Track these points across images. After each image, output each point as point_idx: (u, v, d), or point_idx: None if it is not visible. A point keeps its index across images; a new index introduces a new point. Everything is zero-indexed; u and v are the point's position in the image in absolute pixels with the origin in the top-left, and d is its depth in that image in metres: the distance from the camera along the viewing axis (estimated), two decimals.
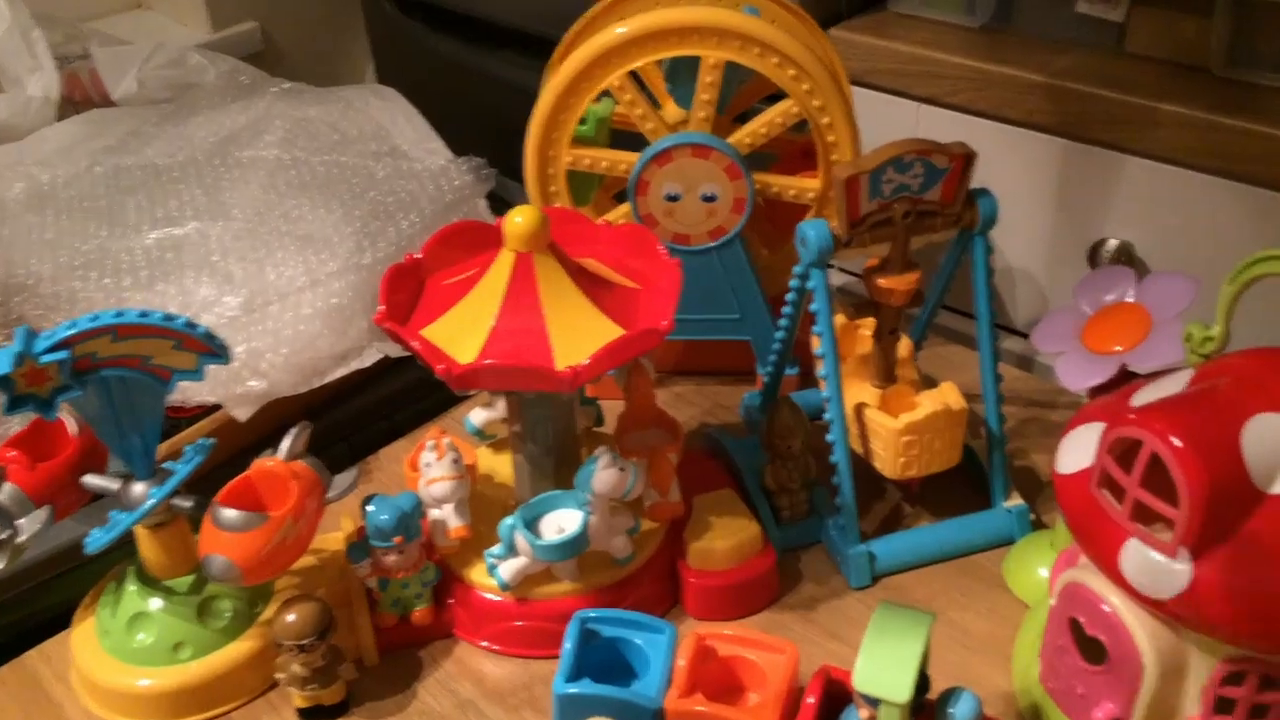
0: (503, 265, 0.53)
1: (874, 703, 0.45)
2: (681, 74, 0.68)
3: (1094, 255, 0.74)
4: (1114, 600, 0.47)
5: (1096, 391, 0.52)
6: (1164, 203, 0.72)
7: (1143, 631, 0.46)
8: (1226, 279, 0.47)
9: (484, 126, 0.87)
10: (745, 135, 0.66)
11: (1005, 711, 0.53)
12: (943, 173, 0.58)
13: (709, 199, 0.66)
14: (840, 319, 0.63)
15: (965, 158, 0.58)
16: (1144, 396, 0.47)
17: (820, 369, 0.59)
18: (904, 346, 0.64)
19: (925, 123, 0.79)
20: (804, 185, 0.66)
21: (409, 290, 0.56)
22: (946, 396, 0.60)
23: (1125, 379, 0.52)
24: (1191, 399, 0.44)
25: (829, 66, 0.66)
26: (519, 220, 0.53)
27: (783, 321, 0.63)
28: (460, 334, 0.53)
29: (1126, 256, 0.73)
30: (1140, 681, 0.46)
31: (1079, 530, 0.47)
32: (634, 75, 0.66)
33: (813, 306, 0.59)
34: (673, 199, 0.66)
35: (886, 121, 0.81)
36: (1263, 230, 0.68)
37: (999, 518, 0.61)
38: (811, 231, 0.58)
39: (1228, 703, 0.46)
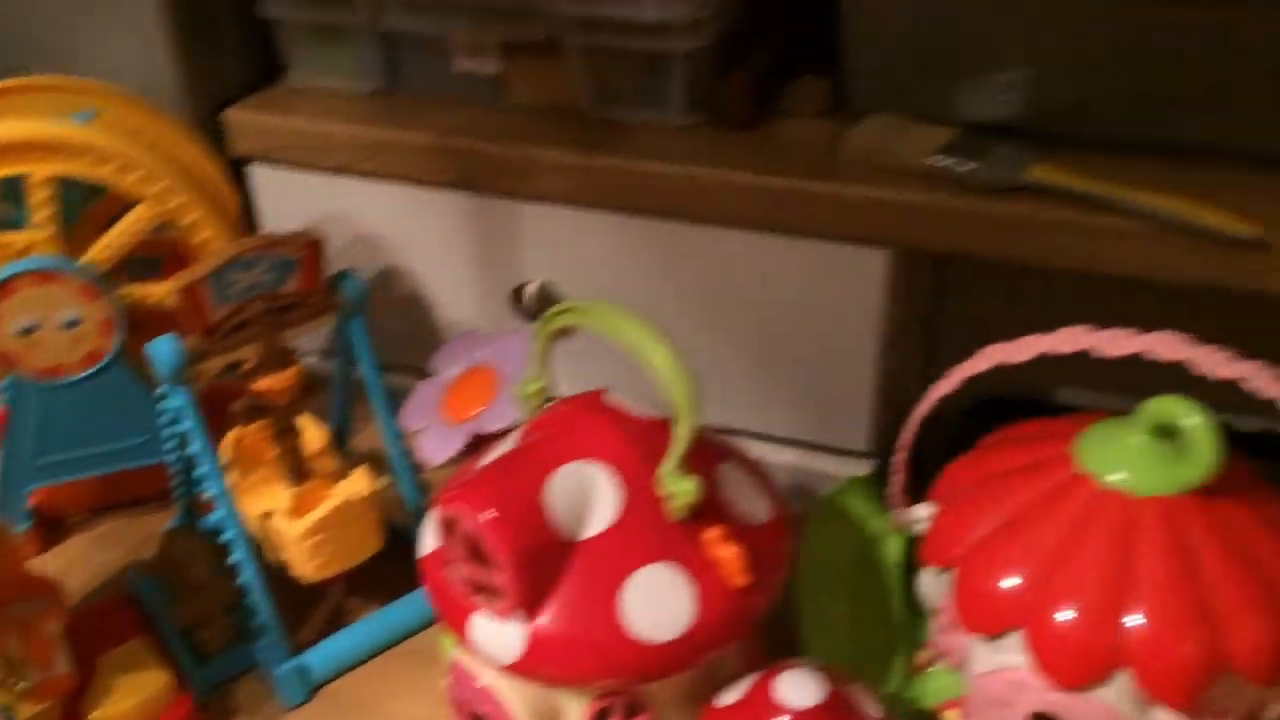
0: None
1: None
2: (19, 194, 0.61)
3: (517, 299, 0.76)
4: (483, 673, 0.47)
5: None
6: (566, 243, 0.75)
7: (515, 697, 0.47)
8: (533, 336, 0.49)
9: None
10: (99, 251, 0.61)
11: None
12: (294, 263, 0.56)
13: (72, 324, 0.60)
14: (236, 431, 0.60)
15: (313, 245, 0.56)
16: (482, 462, 0.49)
17: (207, 490, 0.56)
18: (317, 439, 0.62)
19: (338, 193, 0.78)
20: (161, 292, 0.62)
21: None
22: (355, 485, 0.59)
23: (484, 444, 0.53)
24: (497, 466, 0.46)
25: (186, 161, 0.63)
26: None
27: (166, 445, 0.59)
28: None
29: (546, 297, 0.76)
30: None
31: (440, 610, 0.47)
32: None
33: (180, 427, 0.55)
34: (30, 331, 0.60)
35: (300, 198, 0.79)
36: (651, 255, 0.74)
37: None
38: (160, 350, 0.54)
39: None
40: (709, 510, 0.46)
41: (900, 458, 0.55)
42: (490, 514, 0.43)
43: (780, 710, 0.44)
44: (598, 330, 0.46)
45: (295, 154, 0.78)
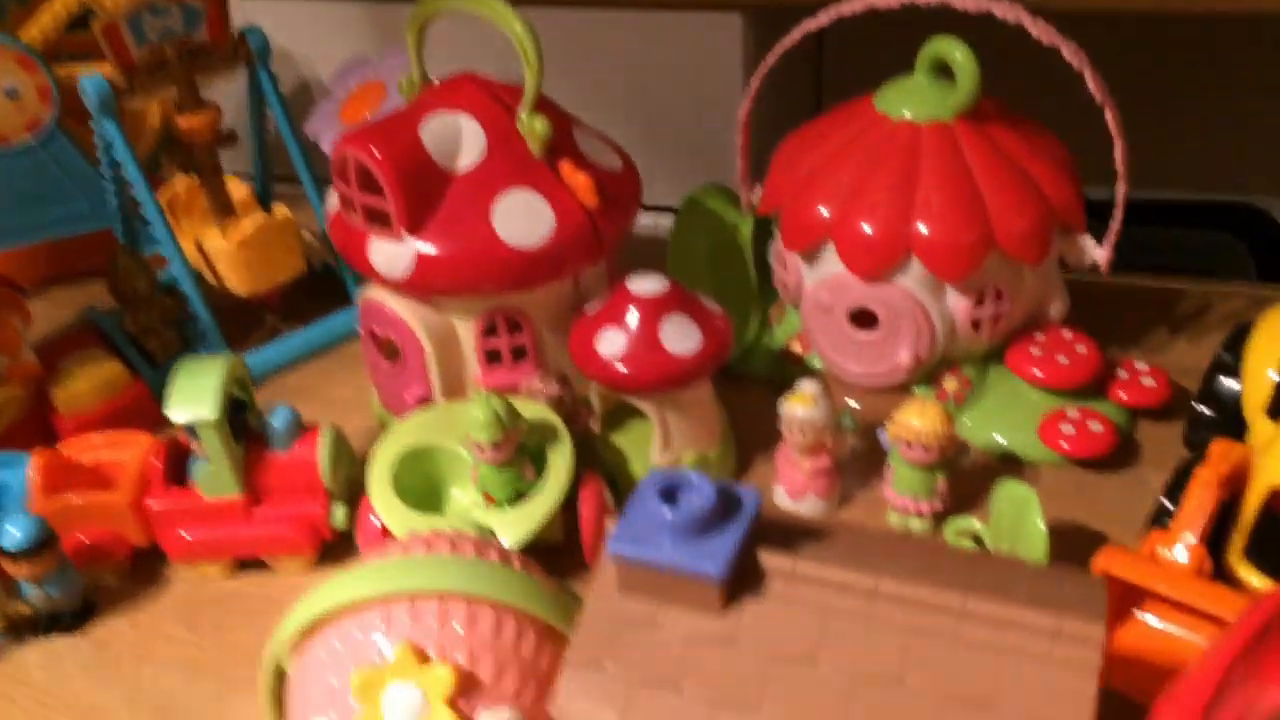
0: None
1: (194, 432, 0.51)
2: None
3: None
4: (390, 302, 0.56)
5: None
6: (472, 40, 0.83)
7: (415, 319, 0.56)
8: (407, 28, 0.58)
9: None
10: (34, 28, 0.69)
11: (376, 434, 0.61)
12: (202, 13, 0.64)
13: (12, 94, 0.68)
14: (184, 179, 0.69)
15: None
16: None
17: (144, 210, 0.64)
18: (240, 191, 0.71)
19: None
20: (92, 69, 0.70)
21: None
22: (275, 214, 0.68)
23: None
24: (380, 120, 0.54)
25: None
26: None
27: (107, 182, 0.67)
28: None
29: None
30: (427, 360, 0.56)
31: (344, 249, 0.56)
32: None
33: (115, 154, 0.63)
34: None
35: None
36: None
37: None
38: (89, 84, 0.62)
39: (495, 354, 0.57)
40: (564, 151, 0.55)
41: (742, 140, 0.64)
42: (373, 146, 0.51)
43: (632, 299, 0.54)
44: (461, 10, 0.54)
45: None
